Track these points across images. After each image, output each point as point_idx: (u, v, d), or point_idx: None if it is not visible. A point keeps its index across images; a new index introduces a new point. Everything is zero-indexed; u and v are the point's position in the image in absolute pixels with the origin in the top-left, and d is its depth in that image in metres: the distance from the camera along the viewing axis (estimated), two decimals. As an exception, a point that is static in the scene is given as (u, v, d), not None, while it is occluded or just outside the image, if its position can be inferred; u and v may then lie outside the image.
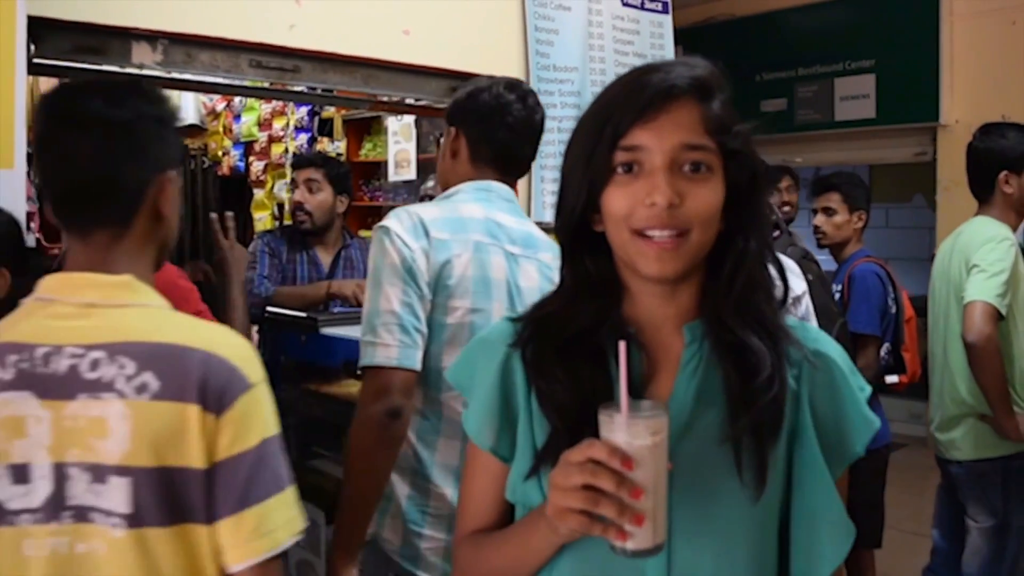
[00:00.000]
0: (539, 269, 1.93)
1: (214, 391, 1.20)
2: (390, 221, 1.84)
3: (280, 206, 6.30)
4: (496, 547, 1.15)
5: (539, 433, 1.09)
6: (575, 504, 0.92)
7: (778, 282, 1.11)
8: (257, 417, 1.24)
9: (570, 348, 1.09)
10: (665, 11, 3.93)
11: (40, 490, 1.19)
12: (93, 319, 1.23)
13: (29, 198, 2.82)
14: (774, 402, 1.04)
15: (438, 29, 3.18)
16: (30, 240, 2.34)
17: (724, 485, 1.04)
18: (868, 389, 1.12)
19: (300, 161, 3.70)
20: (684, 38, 4.52)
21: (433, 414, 1.85)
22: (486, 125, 1.96)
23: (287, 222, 4.78)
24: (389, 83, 3.16)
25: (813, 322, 2.50)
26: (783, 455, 1.07)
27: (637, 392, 1.05)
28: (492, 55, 3.33)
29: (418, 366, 1.78)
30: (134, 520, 1.18)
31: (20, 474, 1.20)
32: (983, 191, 2.94)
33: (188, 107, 5.91)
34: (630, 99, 1.04)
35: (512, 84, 2.01)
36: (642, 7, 3.83)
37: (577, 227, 1.10)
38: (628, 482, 0.90)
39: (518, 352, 1.12)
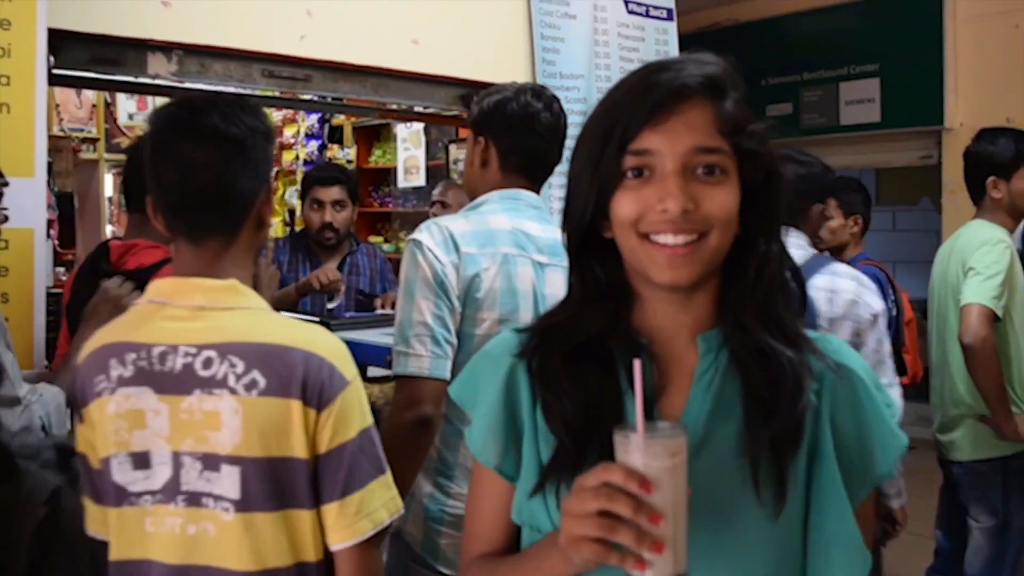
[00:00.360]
0: (564, 276, 1.96)
1: (314, 388, 1.32)
2: (422, 235, 1.90)
3: (291, 212, 6.36)
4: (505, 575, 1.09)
5: (545, 448, 1.03)
6: (590, 532, 0.85)
7: (794, 287, 1.08)
8: (355, 411, 1.36)
9: (578, 358, 1.03)
10: (669, 18, 3.98)
11: (160, 475, 1.33)
12: (203, 321, 1.35)
13: (49, 206, 2.89)
14: (799, 413, 0.97)
15: (446, 38, 3.24)
16: (48, 246, 2.40)
17: (742, 503, 0.97)
18: (895, 405, 1.07)
19: (325, 179, 3.65)
20: (690, 43, 4.53)
21: (457, 419, 1.89)
22: (516, 135, 2.00)
23: (298, 228, 4.82)
24: (398, 91, 3.23)
25: (887, 345, 2.51)
26: (802, 472, 1.00)
27: (649, 408, 0.99)
28: (499, 63, 3.39)
29: (448, 376, 1.83)
30: (242, 505, 1.31)
31: (141, 461, 1.34)
32: (977, 195, 2.99)
33: (200, 115, 5.97)
34: (639, 100, 0.98)
35: (537, 91, 2.05)
36: (647, 15, 3.89)
37: (586, 234, 1.04)
38: (647, 507, 0.84)
39: (523, 364, 1.06)
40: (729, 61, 1.03)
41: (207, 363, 1.32)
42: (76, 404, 1.42)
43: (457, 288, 1.86)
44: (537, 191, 2.06)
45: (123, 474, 1.34)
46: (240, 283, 1.40)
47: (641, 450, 0.87)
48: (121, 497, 1.35)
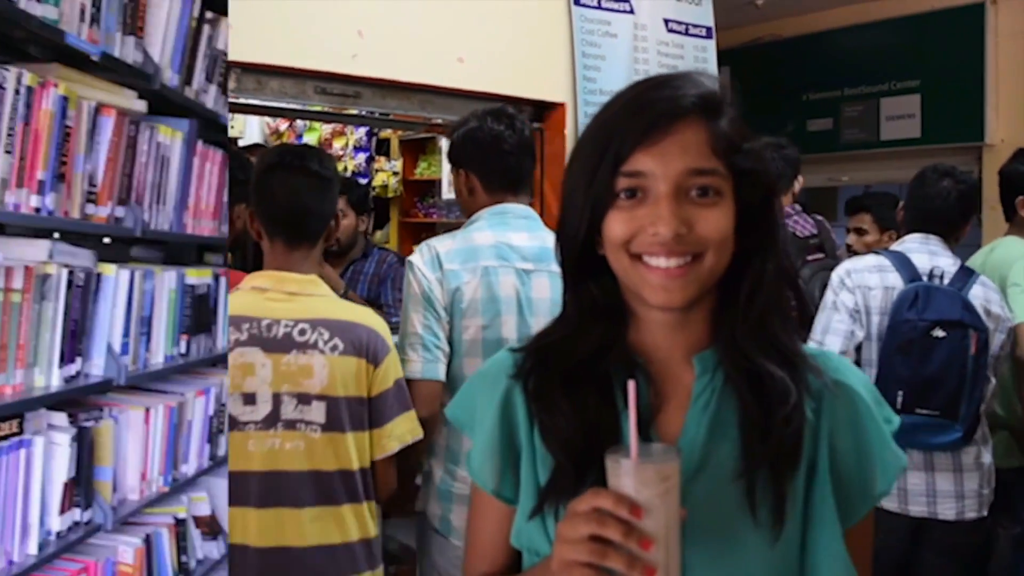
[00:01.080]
0: (551, 280, 2.16)
1: (372, 351, 1.99)
2: (414, 256, 2.20)
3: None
4: None
5: (543, 470, 1.02)
6: (582, 556, 0.85)
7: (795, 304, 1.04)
8: (394, 367, 2.04)
9: (574, 378, 1.02)
10: (709, 36, 4.07)
11: (262, 410, 1.93)
12: (296, 303, 1.99)
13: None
14: (793, 433, 0.96)
15: (491, 56, 3.36)
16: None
17: (740, 527, 0.96)
18: (896, 421, 1.05)
19: None
20: (731, 59, 4.61)
21: None
22: (489, 159, 2.25)
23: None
24: (444, 107, 3.35)
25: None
26: (801, 493, 0.99)
27: (645, 428, 0.99)
28: (541, 80, 3.50)
29: (441, 376, 2.15)
30: (327, 427, 1.94)
31: (249, 399, 1.93)
32: (1008, 212, 3.04)
33: (253, 127, 6.15)
34: (632, 119, 0.96)
35: (496, 114, 2.28)
36: (686, 33, 3.98)
37: (580, 251, 1.02)
38: (637, 532, 0.84)
39: (519, 384, 1.05)
40: (724, 77, 1.03)
41: (302, 332, 1.95)
42: None
43: (443, 300, 2.15)
44: (525, 200, 2.29)
45: (236, 408, 1.92)
46: (318, 278, 2.04)
47: (632, 475, 0.86)
48: (232, 425, 1.92)
